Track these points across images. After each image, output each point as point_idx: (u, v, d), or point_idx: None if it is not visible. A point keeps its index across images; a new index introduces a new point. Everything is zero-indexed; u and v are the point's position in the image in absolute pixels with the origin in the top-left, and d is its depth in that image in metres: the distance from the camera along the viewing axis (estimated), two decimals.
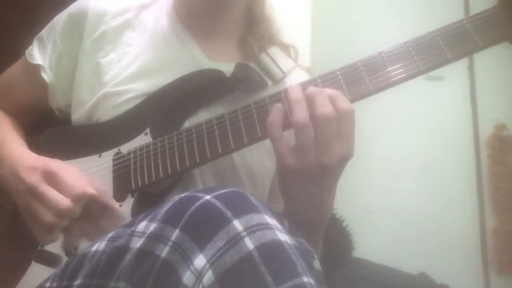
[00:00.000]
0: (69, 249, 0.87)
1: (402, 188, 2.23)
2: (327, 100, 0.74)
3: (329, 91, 0.75)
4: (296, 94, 0.76)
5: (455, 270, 2.07)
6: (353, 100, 0.77)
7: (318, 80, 0.79)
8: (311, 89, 0.75)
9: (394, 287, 1.62)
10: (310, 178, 0.74)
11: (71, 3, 1.04)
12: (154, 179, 0.84)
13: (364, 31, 2.32)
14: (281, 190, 0.80)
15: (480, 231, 2.23)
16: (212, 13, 1.01)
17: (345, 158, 0.74)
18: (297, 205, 0.79)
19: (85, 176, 0.86)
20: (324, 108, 0.73)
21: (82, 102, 0.98)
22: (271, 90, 0.96)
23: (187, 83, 0.94)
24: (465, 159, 2.28)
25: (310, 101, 0.74)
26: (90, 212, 0.84)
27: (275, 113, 0.76)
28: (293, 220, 0.74)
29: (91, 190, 0.82)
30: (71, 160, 0.92)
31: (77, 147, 0.89)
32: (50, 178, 0.82)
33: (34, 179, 0.82)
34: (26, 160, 0.88)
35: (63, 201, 0.80)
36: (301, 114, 0.73)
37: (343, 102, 0.74)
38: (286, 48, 1.09)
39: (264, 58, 1.02)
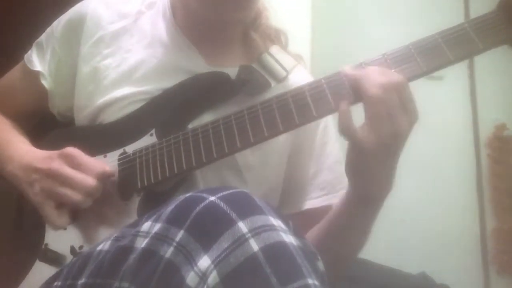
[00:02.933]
0: (74, 248, 0.88)
1: (401, 188, 2.20)
2: (383, 72, 0.76)
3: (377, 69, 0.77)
4: (358, 72, 0.77)
5: (455, 270, 2.07)
6: (357, 100, 0.78)
7: (323, 81, 0.80)
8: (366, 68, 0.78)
9: (394, 287, 1.62)
10: (386, 152, 0.75)
11: (70, 6, 1.04)
12: (159, 178, 0.85)
13: (364, 30, 2.32)
14: (354, 174, 0.80)
15: (480, 231, 2.23)
16: (216, 29, 1.00)
17: (414, 122, 0.76)
18: (371, 184, 0.80)
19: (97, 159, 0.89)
20: (390, 76, 0.75)
21: (83, 107, 0.99)
22: (274, 89, 0.97)
23: (192, 85, 0.94)
24: (465, 159, 2.29)
25: (370, 76, 0.75)
26: (105, 197, 0.87)
27: (342, 109, 0.76)
28: (361, 202, 0.81)
29: (110, 168, 0.87)
30: None
31: (82, 148, 0.89)
32: (70, 160, 0.85)
33: (54, 164, 0.85)
34: (37, 153, 0.91)
35: (89, 180, 0.83)
36: (372, 88, 0.74)
37: (394, 75, 0.76)
38: (277, 34, 1.08)
39: (266, 57, 1.01)
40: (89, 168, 0.84)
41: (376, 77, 0.74)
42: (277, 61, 1.01)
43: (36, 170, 0.86)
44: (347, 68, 0.79)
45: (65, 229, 0.89)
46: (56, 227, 0.87)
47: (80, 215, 0.88)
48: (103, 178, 0.85)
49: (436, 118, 2.28)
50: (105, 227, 0.88)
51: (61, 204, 0.85)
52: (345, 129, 0.75)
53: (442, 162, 2.25)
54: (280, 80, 1.00)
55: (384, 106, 0.73)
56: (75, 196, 0.83)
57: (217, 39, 1.01)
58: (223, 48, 1.02)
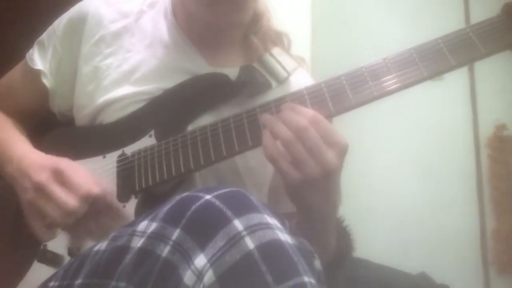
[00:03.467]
0: (73, 249, 0.87)
1: (402, 188, 2.23)
2: (292, 112, 0.75)
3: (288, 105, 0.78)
4: (267, 118, 0.78)
5: (455, 270, 2.07)
6: (357, 105, 0.78)
7: (323, 85, 0.80)
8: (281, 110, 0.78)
9: (394, 287, 1.62)
10: (317, 184, 0.74)
11: (71, 5, 1.04)
12: (158, 180, 0.85)
13: (364, 31, 2.33)
14: (292, 200, 0.80)
15: (480, 231, 2.23)
16: (215, 31, 1.00)
17: (342, 152, 0.75)
18: (312, 208, 0.79)
19: (92, 175, 0.87)
20: (294, 119, 0.74)
21: (82, 106, 0.99)
22: (275, 91, 0.97)
23: (191, 86, 0.94)
24: (465, 159, 2.29)
25: (282, 119, 0.75)
26: (95, 211, 0.85)
27: (266, 137, 0.76)
28: (308, 221, 0.78)
29: (97, 190, 0.84)
30: (75, 161, 0.93)
31: (81, 148, 0.89)
32: (59, 176, 0.84)
33: (43, 177, 0.83)
34: (35, 158, 0.89)
35: (70, 200, 0.81)
36: (281, 132, 0.74)
37: (307, 113, 0.75)
38: (280, 37, 1.08)
39: (268, 58, 1.01)
40: (75, 188, 0.82)
41: (289, 118, 0.75)
42: (278, 62, 1.01)
43: (29, 178, 0.85)
44: (264, 116, 0.79)
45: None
46: (42, 239, 0.86)
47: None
48: (86, 200, 0.83)
49: (436, 118, 2.28)
50: (104, 227, 0.88)
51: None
52: (271, 161, 0.75)
53: (442, 162, 2.25)
54: (281, 81, 1.00)
55: (300, 146, 0.73)
56: (55, 214, 0.81)
57: (217, 40, 1.01)
58: (223, 49, 1.02)
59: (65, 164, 0.86)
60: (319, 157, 0.72)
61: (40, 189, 0.83)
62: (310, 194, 0.76)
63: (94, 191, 0.83)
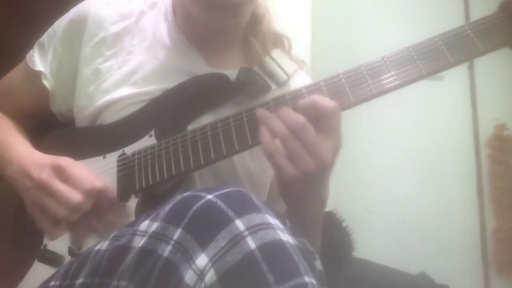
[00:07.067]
0: (73, 249, 0.88)
1: (402, 188, 2.23)
2: (289, 111, 0.75)
3: (303, 100, 0.77)
4: (263, 113, 0.78)
5: (455, 270, 2.07)
6: (356, 102, 0.78)
7: (322, 83, 0.80)
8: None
9: (394, 287, 1.62)
10: (311, 180, 0.75)
11: (72, 6, 1.04)
12: (158, 180, 0.85)
13: (364, 31, 2.33)
14: (285, 199, 0.81)
15: (480, 231, 2.23)
16: (215, 32, 1.00)
17: (337, 150, 0.75)
18: (303, 207, 0.80)
19: (92, 172, 0.88)
20: (291, 118, 0.74)
21: (82, 108, 0.99)
22: (275, 93, 0.96)
23: (191, 86, 0.94)
24: (465, 159, 2.29)
25: (279, 115, 0.76)
26: (97, 208, 0.86)
27: (264, 132, 0.76)
28: (299, 221, 0.76)
29: (100, 184, 0.85)
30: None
31: (81, 149, 0.89)
32: (60, 173, 0.84)
33: (45, 175, 0.84)
34: (35, 158, 0.90)
35: (75, 196, 0.82)
36: (277, 128, 0.74)
37: (324, 101, 0.75)
38: (280, 39, 1.08)
39: (268, 61, 1.01)
40: (78, 183, 0.83)
41: (286, 114, 0.75)
42: (278, 64, 1.01)
43: (30, 178, 0.85)
44: (259, 111, 0.79)
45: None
46: (51, 237, 0.86)
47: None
48: (91, 194, 0.84)
49: (436, 118, 2.28)
50: (107, 223, 0.88)
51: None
52: (268, 157, 0.75)
53: (442, 162, 2.26)
54: (280, 84, 1.00)
55: (296, 142, 0.73)
56: (60, 211, 0.82)
57: (217, 41, 1.01)
58: (223, 50, 1.02)
59: (65, 161, 0.86)
60: (315, 152, 0.72)
61: (43, 187, 0.83)
62: (303, 191, 0.76)
63: (97, 185, 0.84)
